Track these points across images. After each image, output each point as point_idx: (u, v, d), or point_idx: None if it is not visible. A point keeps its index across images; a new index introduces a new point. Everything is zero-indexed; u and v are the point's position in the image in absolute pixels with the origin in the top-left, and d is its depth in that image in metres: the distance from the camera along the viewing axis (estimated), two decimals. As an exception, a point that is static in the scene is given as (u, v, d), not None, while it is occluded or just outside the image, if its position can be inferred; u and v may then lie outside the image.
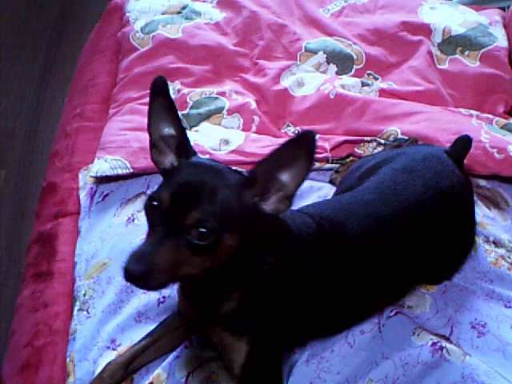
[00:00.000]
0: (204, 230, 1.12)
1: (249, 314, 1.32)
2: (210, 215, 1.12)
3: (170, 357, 1.45)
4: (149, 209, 1.17)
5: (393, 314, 1.49)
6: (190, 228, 1.12)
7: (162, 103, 1.24)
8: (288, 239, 1.33)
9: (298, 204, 1.73)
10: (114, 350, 1.48)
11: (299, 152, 1.12)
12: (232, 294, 1.30)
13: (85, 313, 1.57)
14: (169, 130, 1.25)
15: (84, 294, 1.60)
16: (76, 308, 1.59)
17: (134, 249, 1.12)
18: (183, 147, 1.24)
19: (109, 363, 1.43)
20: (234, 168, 1.27)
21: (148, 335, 1.47)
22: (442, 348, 1.42)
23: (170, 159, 1.25)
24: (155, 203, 1.15)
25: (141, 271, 1.09)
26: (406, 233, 1.44)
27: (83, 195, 1.84)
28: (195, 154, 1.26)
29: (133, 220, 1.73)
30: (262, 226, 1.24)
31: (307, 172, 1.14)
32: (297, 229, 1.35)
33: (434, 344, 1.43)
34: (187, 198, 1.14)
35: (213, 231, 1.13)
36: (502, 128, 1.95)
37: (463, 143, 1.64)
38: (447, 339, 1.46)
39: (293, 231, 1.34)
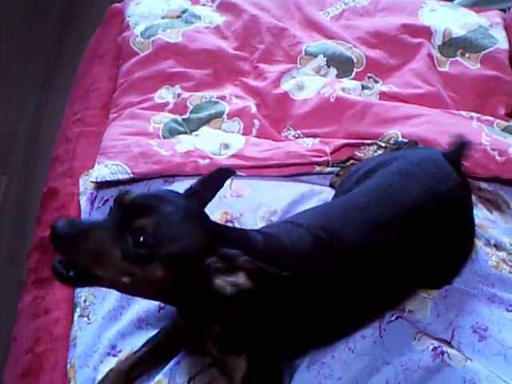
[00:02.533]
0: (141, 240, 1.11)
1: (240, 334, 1.31)
2: (158, 232, 1.12)
3: (171, 363, 1.45)
4: (114, 200, 1.19)
5: (393, 318, 1.49)
6: (133, 230, 1.12)
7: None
8: (282, 259, 1.30)
9: (299, 208, 1.75)
10: (114, 356, 1.48)
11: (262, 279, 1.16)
12: (219, 316, 1.29)
13: (85, 319, 1.57)
14: None
15: (84, 300, 1.60)
16: (76, 314, 1.59)
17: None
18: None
19: (110, 370, 1.43)
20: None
21: (149, 341, 1.46)
22: (443, 353, 1.41)
23: None
24: (119, 197, 1.18)
25: (66, 232, 1.09)
26: (404, 237, 1.43)
27: (84, 200, 1.84)
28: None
29: (133, 225, 1.72)
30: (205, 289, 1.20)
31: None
32: (292, 245, 1.33)
33: (434, 349, 1.42)
34: (151, 207, 1.15)
35: (148, 246, 1.11)
36: (503, 130, 1.95)
37: (460, 145, 1.63)
38: (448, 344, 1.46)
39: (287, 248, 1.32)
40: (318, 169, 1.88)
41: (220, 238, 1.21)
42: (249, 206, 1.74)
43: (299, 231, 1.37)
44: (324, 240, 1.36)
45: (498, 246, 1.66)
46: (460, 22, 2.27)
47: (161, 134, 1.94)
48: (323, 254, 1.36)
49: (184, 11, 2.30)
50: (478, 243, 1.65)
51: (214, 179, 1.36)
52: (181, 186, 1.72)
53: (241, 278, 1.15)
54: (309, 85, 2.07)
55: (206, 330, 1.32)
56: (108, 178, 1.80)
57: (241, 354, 1.31)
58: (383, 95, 2.06)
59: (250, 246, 1.25)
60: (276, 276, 1.15)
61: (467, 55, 2.17)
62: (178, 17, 2.28)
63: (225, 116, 1.99)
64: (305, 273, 1.32)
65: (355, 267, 1.38)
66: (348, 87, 2.06)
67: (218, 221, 1.65)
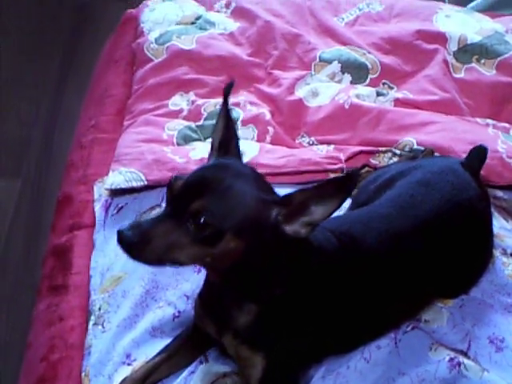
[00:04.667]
0: (202, 221, 1.13)
1: (266, 328, 1.31)
2: (215, 209, 1.13)
3: (185, 372, 1.44)
4: (167, 190, 1.20)
5: (409, 328, 1.47)
6: (191, 215, 1.13)
7: (224, 108, 1.30)
8: (308, 255, 1.31)
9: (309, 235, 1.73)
10: (129, 365, 1.47)
11: (338, 190, 1.14)
12: (248, 307, 1.30)
13: (100, 327, 1.57)
14: (221, 132, 1.30)
15: (99, 308, 1.60)
16: (91, 322, 1.58)
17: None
18: (225, 146, 1.28)
19: (124, 379, 1.42)
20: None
21: (163, 350, 1.46)
22: (459, 364, 1.40)
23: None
24: (169, 188, 1.19)
25: (133, 238, 1.12)
26: (423, 247, 1.43)
27: (98, 208, 1.84)
28: (239, 157, 1.30)
29: (147, 233, 1.72)
30: (279, 244, 1.23)
31: (339, 207, 1.16)
32: (318, 244, 1.33)
33: (451, 360, 1.41)
34: (199, 187, 1.16)
35: (209, 224, 1.13)
36: (519, 137, 1.94)
37: (478, 154, 1.63)
38: (465, 354, 1.44)
39: (314, 246, 1.32)
40: (332, 176, 1.87)
41: (271, 188, 1.24)
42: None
43: (325, 232, 1.37)
44: (347, 245, 1.37)
45: (514, 256, 1.65)
46: (475, 27, 2.26)
47: (175, 141, 1.94)
48: (346, 257, 1.36)
49: (198, 18, 2.30)
50: (495, 252, 1.63)
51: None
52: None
53: (313, 213, 1.16)
54: (323, 91, 2.07)
55: (230, 322, 1.32)
56: (122, 186, 1.80)
57: (260, 351, 1.31)
58: (398, 102, 2.05)
59: None
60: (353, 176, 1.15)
61: (483, 61, 2.16)
62: (193, 23, 2.29)
63: (239, 123, 1.99)
64: (329, 273, 1.33)
65: (374, 275, 1.38)
66: (362, 94, 2.06)
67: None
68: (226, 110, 1.31)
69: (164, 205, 1.23)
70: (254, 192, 1.18)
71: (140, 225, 1.14)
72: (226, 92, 1.31)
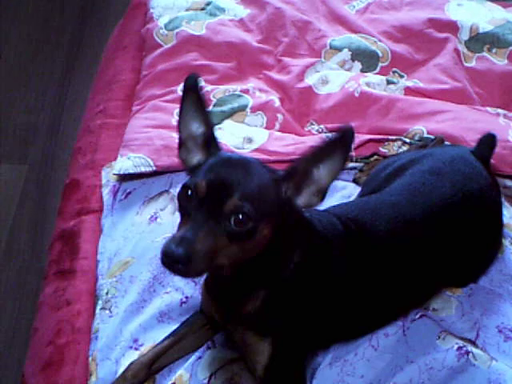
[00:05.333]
0: (242, 217, 1.12)
1: (273, 313, 1.31)
2: (248, 202, 1.13)
3: (193, 357, 1.44)
4: (182, 198, 1.17)
5: (418, 316, 1.47)
6: (228, 214, 1.12)
7: (193, 101, 1.24)
8: (312, 238, 1.32)
9: (322, 203, 1.73)
10: (136, 349, 1.48)
11: (336, 147, 1.13)
12: (257, 292, 1.29)
13: (107, 312, 1.56)
14: (198, 128, 1.25)
15: (106, 293, 1.60)
16: (98, 307, 1.58)
17: (171, 235, 1.13)
18: (211, 142, 1.25)
19: (132, 363, 1.42)
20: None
21: (171, 335, 1.46)
22: (467, 352, 1.40)
23: (197, 157, 1.25)
24: (190, 192, 1.15)
25: (181, 255, 1.08)
26: (434, 235, 1.42)
27: (106, 193, 1.84)
28: (220, 149, 1.26)
29: (155, 218, 1.72)
30: (292, 221, 1.24)
31: (342, 167, 1.16)
32: (323, 228, 1.34)
33: (459, 348, 1.41)
34: (224, 185, 1.14)
35: (251, 218, 1.13)
36: (530, 127, 1.92)
37: (488, 142, 1.62)
38: (473, 343, 1.44)
39: (318, 230, 1.33)
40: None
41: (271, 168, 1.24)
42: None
43: (330, 217, 1.37)
44: (353, 231, 1.37)
45: (524, 245, 1.64)
46: (487, 16, 2.24)
47: (183, 127, 1.93)
48: (352, 243, 1.36)
49: (208, 3, 2.29)
50: (504, 242, 1.63)
51: None
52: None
53: (318, 178, 1.16)
54: (333, 79, 2.06)
55: (237, 308, 1.32)
56: (131, 171, 1.80)
57: (266, 336, 1.30)
58: (408, 90, 2.04)
59: None
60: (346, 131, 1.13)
61: (494, 51, 2.14)
62: (202, 9, 2.27)
63: (248, 110, 1.98)
64: (332, 258, 1.33)
65: (382, 262, 1.38)
66: (373, 82, 2.04)
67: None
68: (200, 104, 1.24)
69: (181, 212, 1.18)
70: (267, 176, 1.19)
71: (181, 239, 1.10)
72: (193, 82, 1.24)
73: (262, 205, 1.14)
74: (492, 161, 1.65)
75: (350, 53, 2.13)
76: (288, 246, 1.27)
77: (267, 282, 1.29)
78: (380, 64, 2.13)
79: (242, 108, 1.98)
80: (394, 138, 1.89)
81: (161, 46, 2.16)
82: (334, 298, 1.35)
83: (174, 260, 1.09)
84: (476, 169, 1.52)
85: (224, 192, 1.13)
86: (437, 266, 1.45)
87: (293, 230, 1.26)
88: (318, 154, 1.16)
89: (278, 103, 2.00)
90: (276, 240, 1.20)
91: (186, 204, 1.16)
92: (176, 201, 1.20)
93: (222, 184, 1.14)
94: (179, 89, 2.05)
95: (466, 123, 1.89)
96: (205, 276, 1.40)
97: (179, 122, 1.26)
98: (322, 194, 1.18)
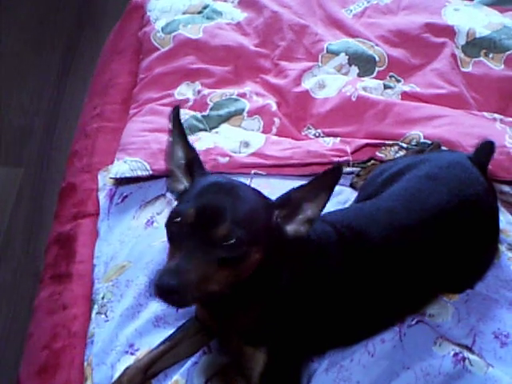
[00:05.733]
0: (234, 242, 1.11)
1: (267, 325, 1.30)
2: (241, 226, 1.12)
3: (189, 363, 1.44)
4: (171, 226, 1.15)
5: (414, 322, 1.47)
6: (221, 240, 1.11)
7: (177, 131, 1.27)
8: (307, 249, 1.32)
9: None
10: (132, 354, 1.47)
11: (326, 184, 1.18)
12: (250, 307, 1.29)
13: (103, 316, 1.56)
14: (181, 156, 1.27)
15: (102, 297, 1.59)
16: (94, 311, 1.58)
17: (162, 267, 1.11)
18: (194, 167, 1.25)
19: (127, 368, 1.42)
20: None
21: (166, 340, 1.45)
22: (464, 359, 1.40)
23: (184, 184, 1.26)
24: (178, 219, 1.13)
25: (174, 287, 1.06)
26: (430, 241, 1.42)
27: (102, 196, 1.84)
28: (207, 173, 1.27)
29: (152, 223, 1.71)
30: (283, 244, 1.24)
31: (328, 200, 1.19)
32: (317, 238, 1.33)
33: (456, 354, 1.40)
34: (213, 211, 1.13)
35: (244, 242, 1.12)
36: (526, 132, 1.92)
37: (486, 148, 1.62)
38: (469, 349, 1.43)
39: (312, 241, 1.32)
40: (337, 169, 1.86)
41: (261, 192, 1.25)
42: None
43: (324, 226, 1.37)
44: (348, 238, 1.37)
45: (520, 251, 1.64)
46: (484, 21, 2.24)
47: (180, 131, 1.93)
48: (345, 251, 1.36)
49: (205, 7, 2.29)
50: (501, 248, 1.63)
51: None
52: (200, 184, 1.73)
53: (307, 210, 1.19)
54: (330, 83, 2.06)
55: (231, 321, 1.31)
56: (127, 175, 1.80)
57: (261, 347, 1.30)
58: (405, 95, 2.04)
59: None
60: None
61: (491, 55, 2.14)
62: (200, 12, 2.27)
63: (245, 114, 1.98)
64: (326, 266, 1.33)
65: (378, 268, 1.38)
66: (370, 86, 2.04)
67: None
68: (180, 133, 1.28)
69: (170, 240, 1.17)
70: (259, 200, 1.20)
71: (173, 270, 1.08)
72: (175, 115, 1.29)
73: (253, 229, 1.14)
74: (489, 166, 1.66)
75: (347, 57, 2.13)
76: (279, 262, 1.27)
77: (260, 297, 1.29)
78: (377, 68, 2.12)
79: (239, 112, 1.98)
80: (390, 142, 1.89)
81: (158, 49, 2.16)
82: (328, 305, 1.34)
83: (168, 292, 1.07)
84: (473, 174, 1.52)
85: (215, 218, 1.12)
86: (433, 271, 1.45)
87: (283, 248, 1.26)
88: (310, 189, 1.19)
89: (274, 107, 2.00)
90: (267, 260, 1.20)
91: (175, 231, 1.14)
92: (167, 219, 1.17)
93: (212, 210, 1.13)
94: (176, 92, 2.05)
95: (462, 128, 1.89)
96: None
97: (167, 155, 1.28)
98: (310, 225, 1.21)
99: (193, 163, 1.25)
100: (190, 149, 1.26)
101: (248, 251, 1.14)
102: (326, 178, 1.17)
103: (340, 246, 1.36)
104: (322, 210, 1.20)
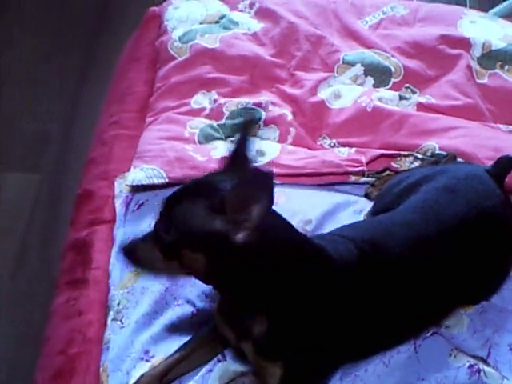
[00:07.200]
0: (162, 238, 1.24)
1: (281, 338, 1.31)
2: (167, 226, 1.23)
3: (203, 370, 1.44)
4: None
5: (429, 334, 1.46)
6: (156, 232, 1.26)
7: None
8: (328, 266, 1.31)
9: (333, 218, 1.74)
10: (147, 361, 1.48)
11: (258, 187, 1.13)
12: (260, 318, 1.30)
13: (119, 322, 1.57)
14: None
15: (118, 304, 1.60)
16: (110, 317, 1.59)
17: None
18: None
19: (142, 375, 1.43)
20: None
21: (182, 348, 1.46)
22: (479, 371, 1.40)
23: None
24: None
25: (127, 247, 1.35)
26: (448, 254, 1.42)
27: (118, 203, 1.85)
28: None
29: (168, 230, 1.72)
30: (233, 257, 1.22)
31: (269, 207, 1.15)
32: (339, 256, 1.33)
33: (471, 366, 1.40)
34: (164, 208, 1.27)
35: (168, 242, 1.23)
36: (542, 145, 1.92)
37: (505, 163, 1.61)
38: (485, 361, 1.43)
39: (333, 258, 1.32)
40: (353, 179, 1.87)
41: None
42: (283, 214, 1.71)
43: (346, 244, 1.37)
44: (369, 254, 1.36)
45: (535, 263, 1.63)
46: (500, 34, 2.24)
47: (196, 140, 1.94)
48: (367, 265, 1.35)
49: (222, 17, 2.30)
50: (516, 260, 1.62)
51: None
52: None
53: (250, 214, 1.15)
54: (345, 94, 2.06)
55: (246, 329, 1.32)
56: (144, 182, 1.81)
57: (277, 361, 1.30)
58: (421, 106, 2.04)
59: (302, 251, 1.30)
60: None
61: (506, 68, 2.14)
62: (217, 22, 2.28)
63: (261, 123, 1.99)
64: (349, 285, 1.32)
65: (397, 282, 1.38)
66: (385, 97, 2.05)
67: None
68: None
69: None
70: (199, 204, 1.21)
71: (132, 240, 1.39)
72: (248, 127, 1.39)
73: (182, 233, 1.22)
74: (506, 179, 1.65)
75: (363, 68, 2.14)
76: (272, 275, 1.25)
77: (266, 310, 1.29)
78: (392, 79, 2.13)
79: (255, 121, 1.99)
80: (406, 153, 1.89)
81: (175, 58, 2.17)
82: (346, 321, 1.34)
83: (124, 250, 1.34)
84: (490, 187, 1.52)
85: (165, 207, 1.26)
86: (451, 284, 1.45)
87: (260, 260, 1.23)
88: (243, 193, 1.15)
89: (290, 117, 2.01)
90: (235, 269, 1.23)
91: None
92: None
93: (164, 208, 1.27)
94: (193, 101, 2.07)
95: (478, 140, 1.90)
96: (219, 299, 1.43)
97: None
98: (255, 232, 1.16)
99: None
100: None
101: (178, 251, 1.23)
102: (256, 181, 1.13)
103: (361, 264, 1.35)
104: (262, 216, 1.14)
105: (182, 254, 1.23)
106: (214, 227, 1.18)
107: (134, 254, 1.32)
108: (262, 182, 1.13)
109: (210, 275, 1.26)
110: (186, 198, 1.24)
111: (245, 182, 1.15)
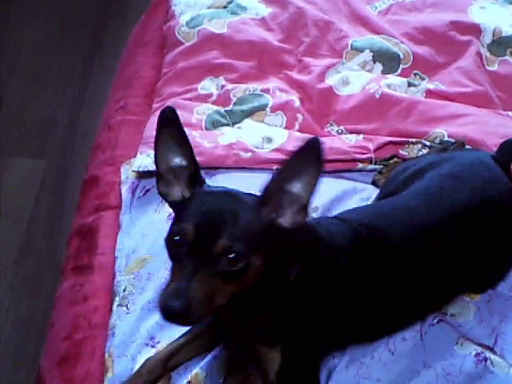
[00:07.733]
0: (233, 256, 1.11)
1: (281, 324, 1.30)
2: (237, 240, 1.11)
3: (209, 356, 1.44)
4: (171, 243, 1.15)
5: (435, 321, 1.46)
6: (219, 256, 1.11)
7: (170, 134, 1.20)
8: (317, 248, 1.30)
9: (340, 205, 1.73)
10: (152, 347, 1.48)
11: (307, 160, 1.11)
12: (262, 309, 1.29)
13: (124, 308, 1.57)
14: (177, 161, 1.21)
15: (124, 290, 1.60)
16: (115, 303, 1.59)
17: (164, 286, 1.11)
18: (196, 177, 1.22)
19: (147, 359, 1.43)
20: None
21: (187, 333, 1.45)
22: (485, 359, 1.39)
23: (178, 190, 1.22)
24: (177, 237, 1.13)
25: (180, 307, 1.07)
26: (451, 241, 1.41)
27: (125, 189, 1.84)
28: (204, 182, 1.24)
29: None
30: (286, 241, 1.21)
31: (318, 180, 1.12)
32: (329, 237, 1.32)
33: (477, 354, 1.40)
34: (211, 226, 1.12)
35: (242, 255, 1.11)
36: (552, 133, 1.90)
37: (509, 147, 1.60)
38: (491, 350, 1.43)
39: (323, 239, 1.31)
40: (360, 166, 1.86)
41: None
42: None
43: (340, 225, 1.36)
44: (364, 237, 1.35)
45: (543, 251, 1.62)
46: (510, 20, 2.22)
47: (203, 126, 1.93)
48: (360, 250, 1.34)
49: (230, 2, 2.28)
50: (524, 248, 1.61)
51: None
52: (223, 179, 1.74)
53: (294, 194, 1.12)
54: (354, 80, 2.05)
55: (244, 322, 1.31)
56: (150, 168, 1.80)
57: (275, 346, 1.30)
58: (429, 93, 2.02)
59: None
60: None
61: (517, 55, 2.12)
62: (224, 7, 2.27)
63: (268, 109, 1.97)
64: (338, 266, 1.31)
65: (396, 267, 1.37)
66: (394, 84, 2.03)
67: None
68: (182, 137, 1.20)
69: (172, 258, 1.16)
70: (249, 207, 1.16)
71: (177, 290, 1.08)
72: (174, 117, 1.22)
73: (250, 239, 1.12)
74: (512, 166, 1.64)
75: (372, 54, 2.12)
76: (287, 260, 1.25)
77: (270, 298, 1.27)
78: (401, 66, 2.11)
79: (262, 107, 1.97)
80: (414, 140, 1.88)
81: (182, 43, 2.16)
82: (342, 304, 1.33)
83: (175, 315, 1.08)
84: (496, 173, 1.51)
85: (212, 234, 1.11)
86: (454, 271, 1.44)
87: (289, 246, 1.23)
88: (287, 170, 1.13)
89: (297, 103, 2.00)
90: (271, 263, 1.18)
91: (176, 250, 1.14)
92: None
93: (208, 226, 1.12)
94: (200, 87, 2.05)
95: (487, 127, 1.88)
96: None
97: (156, 155, 1.22)
98: (305, 211, 1.14)
99: (196, 174, 1.22)
100: (193, 159, 1.21)
101: (248, 262, 1.12)
102: (304, 154, 1.11)
103: (354, 246, 1.34)
104: (312, 193, 1.12)
105: (251, 263, 1.13)
106: (264, 220, 1.15)
107: (190, 301, 1.08)
108: (307, 154, 1.11)
109: (260, 275, 1.17)
110: (233, 207, 1.15)
111: (284, 162, 1.13)
